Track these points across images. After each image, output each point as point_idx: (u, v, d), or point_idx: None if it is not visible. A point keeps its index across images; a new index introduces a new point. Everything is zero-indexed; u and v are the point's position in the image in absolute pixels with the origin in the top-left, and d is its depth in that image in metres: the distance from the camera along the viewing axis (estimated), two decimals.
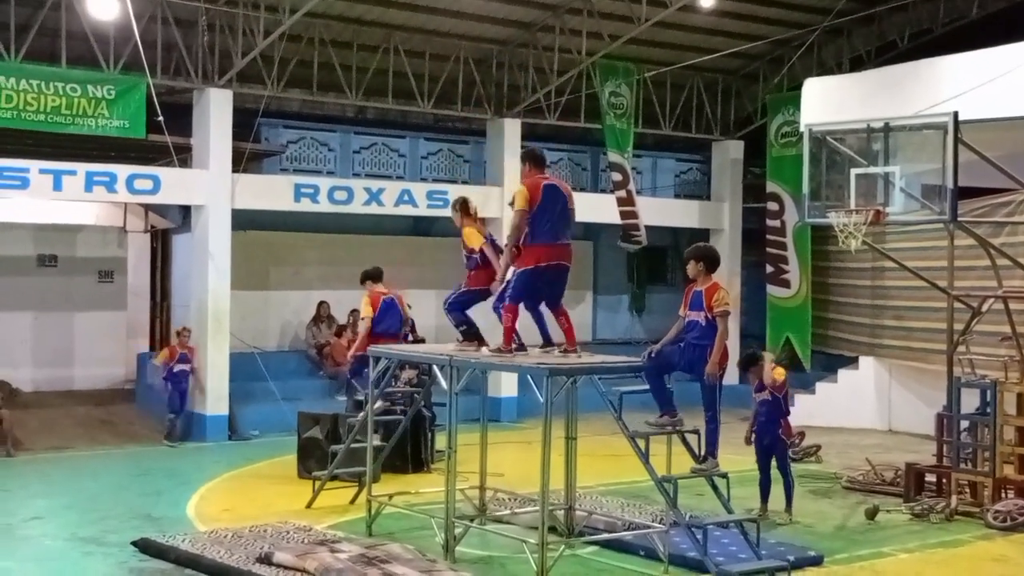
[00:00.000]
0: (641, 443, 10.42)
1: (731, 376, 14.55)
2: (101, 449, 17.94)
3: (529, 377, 12.83)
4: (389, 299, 14.95)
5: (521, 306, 11.42)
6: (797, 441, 17.94)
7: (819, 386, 22.42)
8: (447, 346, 12.75)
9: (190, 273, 19.62)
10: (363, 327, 14.79)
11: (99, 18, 16.96)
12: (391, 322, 14.78)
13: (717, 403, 10.73)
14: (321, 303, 21.84)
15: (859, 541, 12.71)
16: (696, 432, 10.96)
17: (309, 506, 13.69)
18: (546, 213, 10.99)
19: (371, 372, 13.08)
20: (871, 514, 13.74)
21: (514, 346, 11.44)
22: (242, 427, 19.01)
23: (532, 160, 11.50)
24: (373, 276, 15.24)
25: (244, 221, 19.66)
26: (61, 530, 12.61)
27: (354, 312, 21.61)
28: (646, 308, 27.22)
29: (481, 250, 12.25)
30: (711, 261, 10.95)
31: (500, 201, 20.05)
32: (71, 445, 18.04)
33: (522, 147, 22.00)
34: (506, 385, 21.36)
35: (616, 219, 21.99)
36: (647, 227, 22.38)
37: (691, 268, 10.98)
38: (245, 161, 19.18)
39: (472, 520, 12.38)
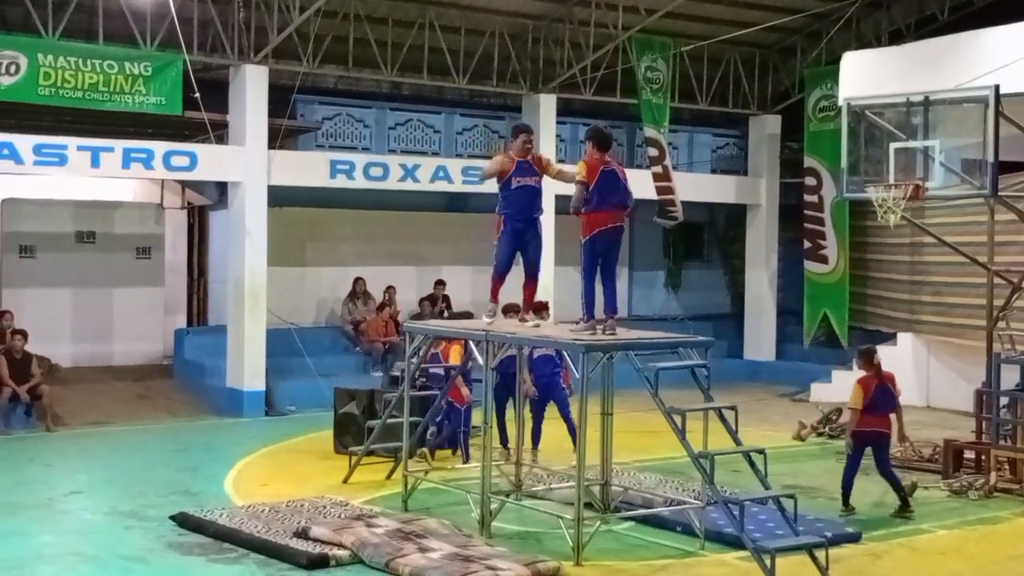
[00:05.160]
0: (677, 419, 10.39)
1: None
2: (140, 424, 18.06)
3: (566, 353, 12.84)
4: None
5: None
6: None
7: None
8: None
9: (227, 249, 19.69)
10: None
11: None
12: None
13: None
14: (357, 279, 21.87)
15: (897, 518, 12.64)
16: (734, 408, 10.93)
17: (346, 481, 13.75)
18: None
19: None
20: (909, 491, 13.65)
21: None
22: (279, 402, 19.09)
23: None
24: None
25: (280, 198, 19.70)
26: (101, 504, 12.72)
27: (389, 289, 21.72)
28: (682, 284, 27.14)
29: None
30: (599, 139, 11.38)
31: None
32: (110, 420, 18.17)
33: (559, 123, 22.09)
34: None
35: (652, 195, 21.88)
36: (683, 203, 22.27)
37: (587, 147, 11.55)
38: (281, 138, 19.19)
39: (508, 495, 12.41)
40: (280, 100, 19.09)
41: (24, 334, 17.74)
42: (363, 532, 10.79)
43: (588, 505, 11.51)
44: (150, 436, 17.25)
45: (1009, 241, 17.33)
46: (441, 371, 14.83)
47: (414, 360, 13.17)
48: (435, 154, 22.53)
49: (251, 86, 18.53)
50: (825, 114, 22.93)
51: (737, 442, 10.85)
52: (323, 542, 10.67)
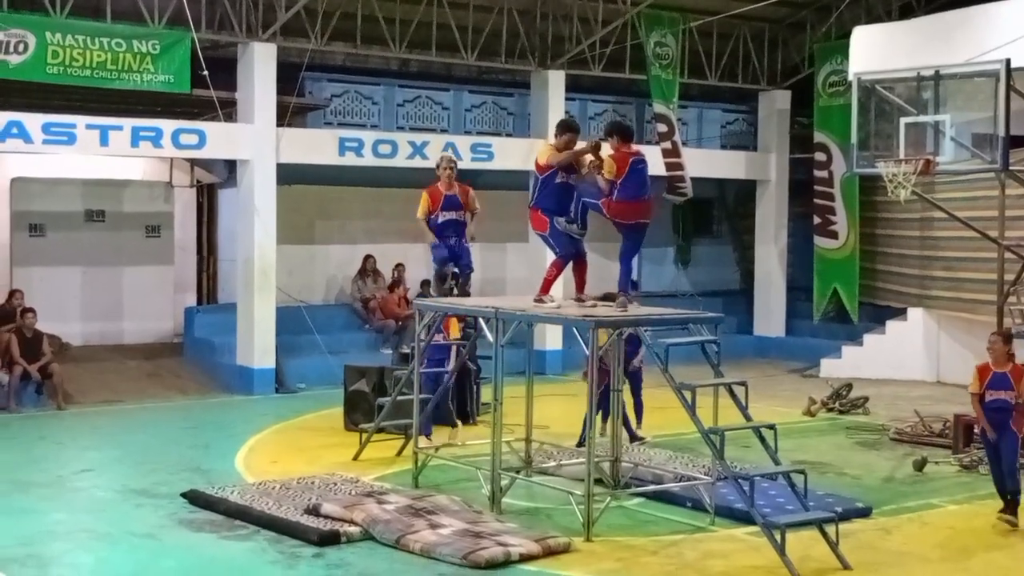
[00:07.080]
0: (688, 395, 10.38)
1: None
2: (150, 402, 18.11)
3: (575, 330, 12.84)
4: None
5: None
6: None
7: (867, 338, 22.26)
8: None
9: (236, 228, 19.69)
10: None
11: None
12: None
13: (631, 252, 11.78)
14: (367, 257, 21.89)
15: (907, 493, 12.66)
16: (744, 384, 10.92)
17: (356, 458, 13.78)
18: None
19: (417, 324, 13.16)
20: (919, 466, 13.67)
21: None
22: (289, 380, 19.13)
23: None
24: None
25: (289, 175, 19.69)
26: (112, 482, 12.76)
27: (399, 267, 21.75)
28: (691, 260, 27.09)
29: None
30: (623, 132, 11.84)
31: None
32: (121, 399, 18.22)
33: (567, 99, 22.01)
34: (551, 338, 21.36)
35: (662, 171, 21.80)
36: (693, 179, 22.22)
37: (612, 142, 11.71)
38: (289, 115, 19.14)
39: (518, 472, 12.42)
40: (288, 78, 19.03)
41: (35, 312, 17.78)
42: (374, 509, 10.82)
43: (598, 481, 11.53)
44: (161, 414, 17.29)
45: (1020, 216, 17.24)
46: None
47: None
48: (444, 131, 22.47)
49: (259, 64, 18.50)
50: (835, 89, 22.84)
51: (747, 418, 10.84)
52: (334, 519, 10.69)
